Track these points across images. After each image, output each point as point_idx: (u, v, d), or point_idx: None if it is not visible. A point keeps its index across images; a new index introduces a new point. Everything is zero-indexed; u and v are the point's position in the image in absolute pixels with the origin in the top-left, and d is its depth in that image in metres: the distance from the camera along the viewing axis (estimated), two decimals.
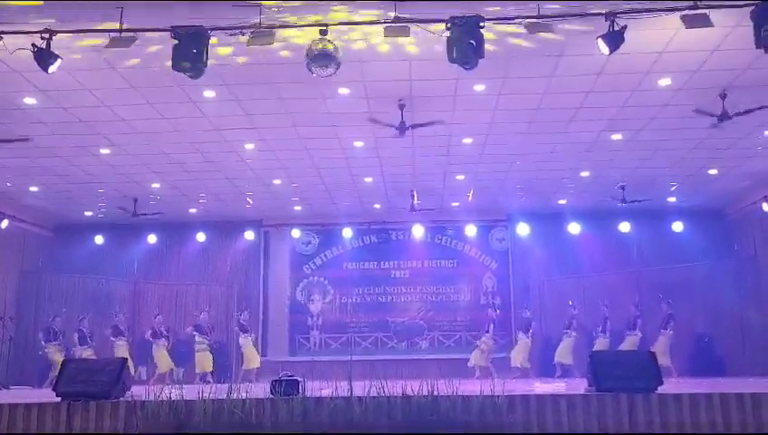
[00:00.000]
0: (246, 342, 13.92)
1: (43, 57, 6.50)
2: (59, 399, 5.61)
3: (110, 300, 14.40)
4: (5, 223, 13.25)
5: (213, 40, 6.51)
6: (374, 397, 5.19)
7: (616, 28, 6.30)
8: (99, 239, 15.14)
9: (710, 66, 7.87)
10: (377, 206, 14.55)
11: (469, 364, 13.48)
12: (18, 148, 10.03)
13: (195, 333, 13.57)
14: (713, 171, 12.07)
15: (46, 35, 6.48)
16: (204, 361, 13.40)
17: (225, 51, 7.25)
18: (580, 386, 6.53)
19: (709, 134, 9.89)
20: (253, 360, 13.86)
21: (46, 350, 12.76)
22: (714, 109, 8.63)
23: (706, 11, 6.16)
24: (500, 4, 6.51)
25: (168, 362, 13.41)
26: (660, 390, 5.51)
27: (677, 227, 14.47)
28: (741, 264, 13.51)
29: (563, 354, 13.24)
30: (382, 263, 15.87)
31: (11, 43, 6.54)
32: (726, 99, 8.53)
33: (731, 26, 6.84)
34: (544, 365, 13.62)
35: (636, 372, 5.62)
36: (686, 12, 6.22)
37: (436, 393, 5.19)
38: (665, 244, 14.35)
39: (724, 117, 8.56)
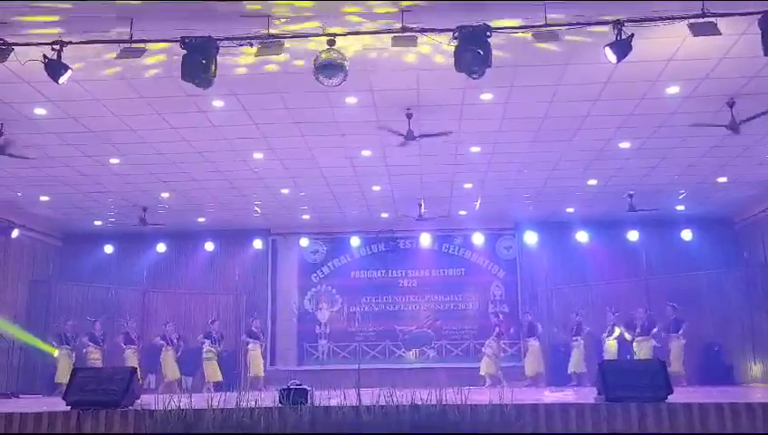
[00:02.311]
0: (255, 349, 13.90)
1: (54, 68, 6.55)
2: (69, 407, 5.63)
3: (119, 309, 14.44)
4: (16, 233, 13.36)
5: (221, 50, 6.55)
6: (382, 406, 5.18)
7: (623, 36, 6.30)
8: (108, 248, 15.23)
9: (718, 74, 7.85)
10: (384, 214, 14.55)
11: (481, 372, 13.41)
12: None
13: (204, 341, 13.57)
14: (722, 179, 12.02)
15: (57, 46, 6.54)
16: (211, 370, 13.38)
17: (233, 61, 7.30)
18: (589, 395, 6.50)
19: (718, 142, 9.88)
20: (258, 367, 13.81)
21: (56, 355, 12.82)
22: (719, 119, 8.61)
23: (714, 19, 6.16)
24: (507, 9, 6.52)
25: (175, 371, 13.41)
26: (670, 399, 5.48)
27: (686, 235, 14.40)
28: (750, 272, 13.42)
29: (576, 364, 13.15)
30: (390, 271, 15.86)
31: (22, 55, 6.60)
32: (734, 107, 8.51)
33: (738, 34, 6.82)
34: (554, 374, 13.55)
35: (645, 381, 5.58)
36: (693, 20, 6.23)
37: (444, 402, 5.18)
38: (674, 252, 14.28)
39: (734, 126, 8.51)
